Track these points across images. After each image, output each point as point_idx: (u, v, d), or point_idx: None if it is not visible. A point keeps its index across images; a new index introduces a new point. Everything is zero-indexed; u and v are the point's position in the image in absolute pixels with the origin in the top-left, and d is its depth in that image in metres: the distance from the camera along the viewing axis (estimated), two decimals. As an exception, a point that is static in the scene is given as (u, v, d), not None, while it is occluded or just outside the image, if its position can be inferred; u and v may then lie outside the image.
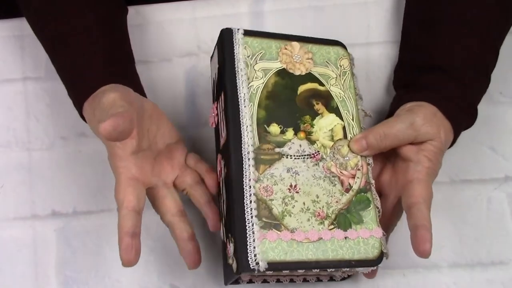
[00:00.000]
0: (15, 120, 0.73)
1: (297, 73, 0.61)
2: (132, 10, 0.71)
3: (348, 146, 0.58)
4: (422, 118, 0.57)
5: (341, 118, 0.59)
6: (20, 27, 0.77)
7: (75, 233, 0.67)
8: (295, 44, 0.62)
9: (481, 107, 0.66)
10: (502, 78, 0.69)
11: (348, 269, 0.54)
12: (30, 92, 0.74)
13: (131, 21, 0.70)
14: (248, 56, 0.60)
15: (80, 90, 0.60)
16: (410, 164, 0.57)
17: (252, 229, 0.53)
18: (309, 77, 0.61)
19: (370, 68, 0.71)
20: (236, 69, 0.59)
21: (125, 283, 0.64)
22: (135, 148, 0.57)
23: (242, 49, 0.60)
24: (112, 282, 0.65)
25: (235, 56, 0.60)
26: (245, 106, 0.58)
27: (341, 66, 0.62)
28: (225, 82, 0.59)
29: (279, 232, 0.54)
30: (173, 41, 0.75)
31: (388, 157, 0.61)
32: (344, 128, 0.59)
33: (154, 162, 0.59)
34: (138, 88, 0.63)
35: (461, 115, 0.60)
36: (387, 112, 0.63)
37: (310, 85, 0.61)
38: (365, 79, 0.70)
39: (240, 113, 0.57)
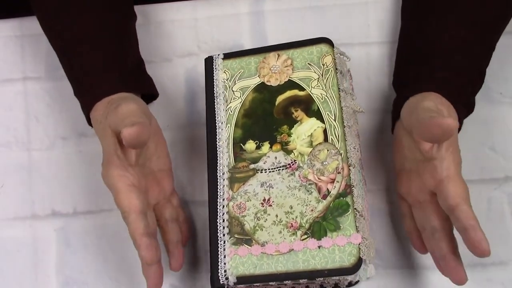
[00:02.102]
0: (15, 120, 0.73)
1: (276, 84, 0.62)
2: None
3: (327, 150, 0.58)
4: (434, 102, 0.56)
5: (322, 121, 0.59)
6: (20, 27, 0.77)
7: (75, 233, 0.67)
8: (271, 55, 0.63)
9: (481, 107, 0.66)
10: (502, 78, 0.69)
11: (321, 279, 0.54)
12: (30, 92, 0.74)
13: (131, 21, 0.70)
14: (227, 79, 0.63)
15: (93, 91, 0.61)
16: (435, 162, 0.55)
17: (224, 246, 0.56)
18: (289, 85, 0.61)
19: (370, 68, 0.71)
20: (215, 94, 0.63)
21: (125, 283, 0.64)
22: (133, 161, 0.57)
23: (221, 73, 0.63)
24: (112, 282, 0.65)
25: (214, 82, 0.63)
26: (222, 129, 0.61)
27: (323, 65, 0.62)
28: (206, 108, 0.62)
29: (249, 247, 0.56)
30: (173, 41, 0.75)
31: (403, 164, 0.60)
32: (325, 130, 0.59)
33: (145, 179, 0.60)
34: (153, 89, 0.67)
35: (458, 99, 0.59)
36: (392, 110, 0.63)
37: (288, 93, 0.61)
38: (365, 79, 0.70)
39: (217, 136, 0.60)
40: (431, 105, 0.56)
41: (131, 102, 0.58)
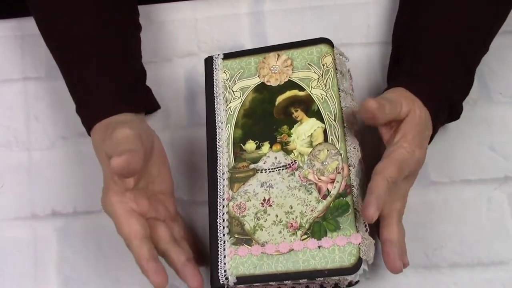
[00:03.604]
0: (15, 120, 0.73)
1: (276, 84, 0.62)
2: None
3: (327, 150, 0.58)
4: (395, 94, 0.57)
5: (322, 121, 0.59)
6: (20, 27, 0.77)
7: (75, 233, 0.67)
8: (271, 55, 0.63)
9: (481, 107, 0.66)
10: (502, 78, 0.69)
11: (321, 279, 0.54)
12: (30, 92, 0.74)
13: (131, 21, 0.70)
14: (227, 79, 0.63)
15: (93, 112, 0.61)
16: (387, 148, 0.57)
17: (224, 246, 0.56)
18: (289, 85, 0.61)
19: (370, 68, 0.71)
20: (214, 94, 0.63)
21: (125, 283, 0.64)
22: (131, 186, 0.57)
23: (221, 73, 0.63)
24: (112, 282, 0.65)
25: (214, 82, 0.63)
26: (221, 129, 0.61)
27: (323, 65, 0.62)
28: (206, 108, 0.62)
29: (249, 247, 0.56)
30: (173, 41, 0.75)
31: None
32: (325, 131, 0.59)
33: (149, 200, 0.59)
34: (152, 104, 0.67)
35: (432, 94, 0.59)
36: None
37: (288, 94, 0.61)
38: (365, 79, 0.70)
39: (217, 136, 0.60)
40: (390, 96, 0.57)
41: (126, 127, 0.56)
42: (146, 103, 0.67)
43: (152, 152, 0.59)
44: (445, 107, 0.61)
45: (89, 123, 0.61)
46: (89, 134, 0.62)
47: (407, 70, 0.61)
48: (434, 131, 0.60)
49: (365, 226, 0.55)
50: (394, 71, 0.64)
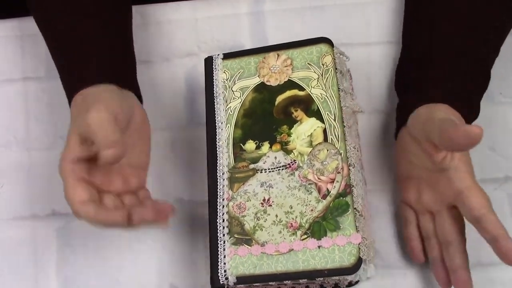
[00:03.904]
0: (15, 120, 0.73)
1: (276, 83, 0.62)
2: (132, 10, 0.71)
3: (327, 150, 0.58)
4: (446, 113, 0.55)
5: (322, 120, 0.59)
6: (20, 27, 0.77)
7: (75, 233, 0.67)
8: (271, 55, 0.63)
9: (481, 107, 0.65)
10: (502, 78, 0.69)
11: (321, 278, 0.54)
12: (30, 92, 0.74)
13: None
14: (226, 79, 0.63)
15: (71, 81, 0.59)
16: (449, 172, 0.55)
17: (224, 246, 0.56)
18: (288, 85, 0.61)
19: (370, 68, 0.71)
20: (214, 94, 0.63)
21: (125, 283, 0.64)
22: (85, 155, 0.55)
23: (221, 73, 0.64)
24: (112, 282, 0.65)
25: (213, 82, 0.63)
26: (221, 129, 0.61)
27: (323, 65, 0.62)
28: (205, 108, 0.62)
29: (249, 247, 0.56)
30: (173, 41, 0.75)
31: (409, 171, 0.60)
32: (324, 130, 0.59)
33: (108, 172, 0.57)
34: (135, 92, 0.62)
35: (466, 107, 0.58)
36: (396, 115, 0.62)
37: (288, 93, 0.61)
38: (365, 79, 0.70)
39: (217, 136, 0.60)
40: (444, 117, 0.55)
41: (103, 109, 0.53)
42: (130, 79, 0.63)
43: (128, 126, 0.57)
44: (471, 116, 0.60)
45: (68, 93, 0.59)
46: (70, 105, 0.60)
47: (445, 87, 0.59)
48: None
49: (366, 225, 0.55)
50: (422, 83, 0.61)
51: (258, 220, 0.57)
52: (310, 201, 0.56)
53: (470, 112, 0.59)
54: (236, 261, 0.55)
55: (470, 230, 0.63)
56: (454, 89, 0.59)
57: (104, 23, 0.63)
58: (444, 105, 0.57)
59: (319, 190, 0.56)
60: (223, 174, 0.59)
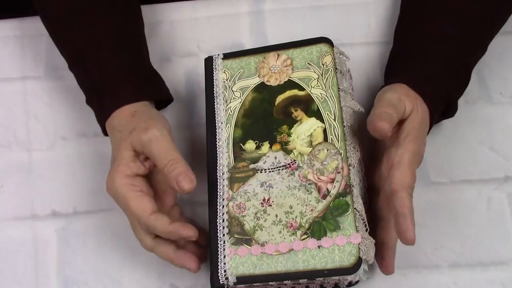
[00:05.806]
0: (15, 120, 0.73)
1: (276, 83, 0.62)
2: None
3: (327, 150, 0.58)
4: (398, 93, 0.57)
5: (322, 120, 0.59)
6: (20, 27, 0.77)
7: (75, 233, 0.67)
8: (271, 55, 0.63)
9: (481, 107, 0.66)
10: (502, 78, 0.69)
11: (321, 278, 0.54)
12: (29, 92, 0.74)
13: (131, 21, 0.70)
14: (226, 79, 0.63)
15: (113, 99, 0.62)
16: (391, 149, 0.56)
17: (224, 246, 0.56)
18: (288, 85, 0.62)
19: (370, 68, 0.71)
20: (214, 94, 0.63)
21: (125, 283, 0.64)
22: (144, 172, 0.59)
23: (221, 73, 0.64)
24: (112, 282, 0.65)
25: (213, 82, 0.63)
26: (221, 129, 0.61)
27: (323, 64, 0.62)
28: (205, 108, 0.62)
29: (249, 247, 0.56)
30: (173, 41, 0.75)
31: (378, 154, 0.60)
32: (324, 130, 0.59)
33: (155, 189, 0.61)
34: (166, 92, 0.67)
35: (432, 91, 0.59)
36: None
37: (288, 93, 0.61)
38: (365, 79, 0.70)
39: (217, 136, 0.60)
40: (394, 97, 0.56)
41: (161, 127, 0.58)
42: (163, 91, 0.67)
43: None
44: (442, 105, 0.61)
45: (106, 111, 0.61)
46: (102, 125, 0.62)
47: (408, 68, 0.61)
48: (429, 128, 0.60)
49: (365, 226, 0.55)
50: (394, 67, 0.63)
51: (258, 220, 0.57)
52: (310, 201, 0.56)
53: (439, 99, 0.60)
54: (236, 261, 0.55)
55: (471, 229, 0.63)
56: (419, 71, 0.59)
57: (123, 33, 0.65)
58: (402, 84, 0.58)
59: (319, 190, 0.56)
60: (223, 174, 0.59)
